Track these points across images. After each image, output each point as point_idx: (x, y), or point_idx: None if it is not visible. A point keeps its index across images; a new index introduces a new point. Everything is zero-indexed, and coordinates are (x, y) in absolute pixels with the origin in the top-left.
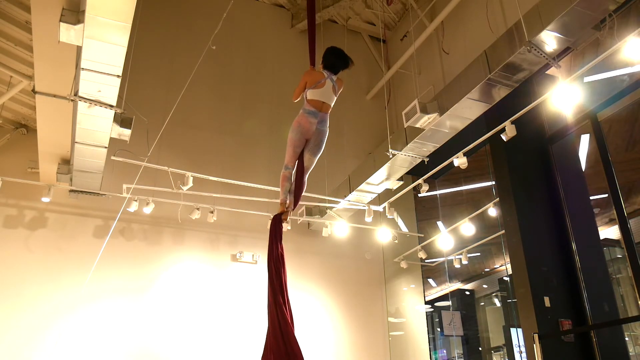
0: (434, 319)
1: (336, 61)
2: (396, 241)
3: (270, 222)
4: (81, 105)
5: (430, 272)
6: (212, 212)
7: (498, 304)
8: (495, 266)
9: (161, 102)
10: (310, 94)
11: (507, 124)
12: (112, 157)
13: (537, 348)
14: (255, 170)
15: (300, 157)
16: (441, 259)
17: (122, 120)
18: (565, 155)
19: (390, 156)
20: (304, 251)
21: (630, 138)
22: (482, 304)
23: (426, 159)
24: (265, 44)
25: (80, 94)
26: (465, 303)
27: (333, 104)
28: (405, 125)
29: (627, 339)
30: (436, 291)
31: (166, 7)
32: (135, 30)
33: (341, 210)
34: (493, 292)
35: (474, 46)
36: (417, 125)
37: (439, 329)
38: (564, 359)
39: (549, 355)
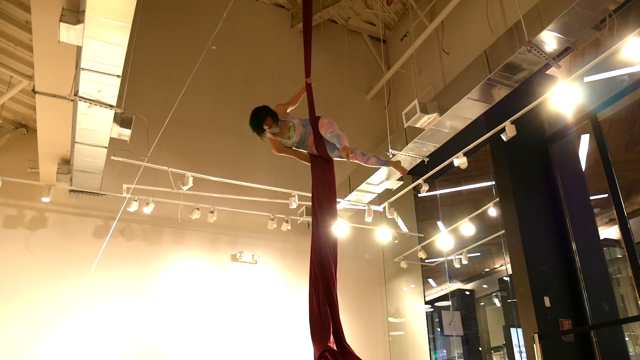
0: (434, 319)
1: (254, 130)
2: (396, 241)
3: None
4: (81, 105)
5: (430, 272)
6: (212, 212)
7: (498, 304)
8: (495, 266)
9: (161, 102)
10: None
11: (507, 124)
12: (112, 157)
13: (537, 348)
14: (255, 170)
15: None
16: (441, 259)
17: (122, 120)
18: (565, 155)
19: (390, 156)
20: (304, 251)
21: (630, 138)
22: (482, 304)
23: (426, 159)
24: (265, 44)
25: (80, 94)
26: (465, 303)
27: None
28: (405, 125)
29: (627, 339)
30: (436, 291)
31: (166, 7)
32: (135, 30)
33: (341, 210)
34: (493, 292)
35: (474, 46)
36: (417, 125)
37: (439, 329)
38: (564, 359)
39: (549, 355)
